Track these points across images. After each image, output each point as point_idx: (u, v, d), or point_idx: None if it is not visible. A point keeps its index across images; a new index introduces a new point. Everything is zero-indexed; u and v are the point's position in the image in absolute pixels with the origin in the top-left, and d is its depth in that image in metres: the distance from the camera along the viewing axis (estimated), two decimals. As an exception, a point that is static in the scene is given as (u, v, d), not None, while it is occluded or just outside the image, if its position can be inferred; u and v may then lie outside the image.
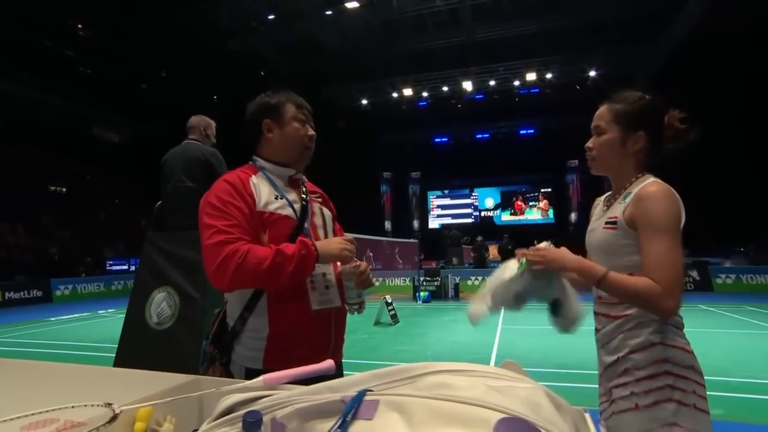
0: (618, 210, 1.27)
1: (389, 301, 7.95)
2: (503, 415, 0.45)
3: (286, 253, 1.24)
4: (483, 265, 15.41)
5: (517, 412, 0.46)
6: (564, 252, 1.28)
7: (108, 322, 9.17)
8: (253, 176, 1.40)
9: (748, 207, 16.71)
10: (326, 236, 1.48)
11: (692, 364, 1.20)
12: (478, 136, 26.82)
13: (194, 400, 0.74)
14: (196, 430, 0.66)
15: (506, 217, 27.53)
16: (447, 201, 29.04)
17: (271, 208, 1.35)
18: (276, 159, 1.44)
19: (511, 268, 1.32)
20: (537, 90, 21.21)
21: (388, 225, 27.28)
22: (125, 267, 17.62)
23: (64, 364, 0.96)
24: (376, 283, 9.84)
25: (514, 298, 1.31)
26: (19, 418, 0.56)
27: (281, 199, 1.38)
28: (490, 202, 28.17)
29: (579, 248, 1.38)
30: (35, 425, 0.56)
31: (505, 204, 27.76)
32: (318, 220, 1.47)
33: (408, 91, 20.91)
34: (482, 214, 28.07)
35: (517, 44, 17.87)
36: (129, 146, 21.65)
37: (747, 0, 13.53)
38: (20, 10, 14.09)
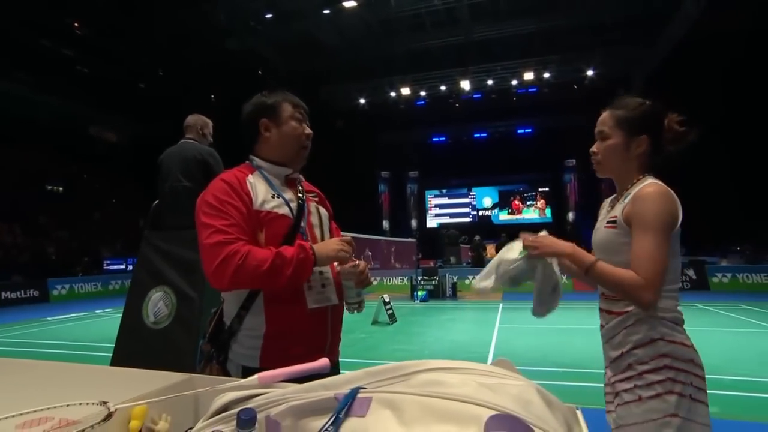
0: (618, 210, 1.34)
1: (387, 300, 7.95)
2: (494, 412, 0.45)
3: (285, 256, 1.25)
4: (481, 264, 15.41)
5: (507, 409, 0.46)
6: (557, 240, 1.39)
7: (105, 322, 9.15)
8: (250, 175, 1.40)
9: (744, 206, 16.77)
10: (322, 235, 1.49)
11: (692, 358, 1.26)
12: (475, 135, 26.84)
13: (189, 398, 0.74)
14: (192, 428, 0.66)
15: (504, 216, 27.57)
16: (445, 200, 29.07)
17: (268, 207, 1.35)
18: (273, 158, 1.45)
19: (514, 249, 1.45)
20: (535, 89, 21.22)
21: (386, 224, 27.29)
22: (122, 266, 17.59)
23: (60, 363, 0.96)
24: (374, 282, 9.84)
25: (510, 280, 1.45)
26: (14, 416, 0.57)
27: (278, 198, 1.38)
28: (487, 202, 28.20)
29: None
30: (30, 423, 0.56)
31: (502, 203, 27.80)
32: (314, 219, 1.48)
33: (406, 91, 20.90)
34: (480, 213, 28.11)
35: (514, 44, 17.89)
36: (126, 146, 21.59)
37: (743, 0, 13.57)
38: (18, 10, 14.03)
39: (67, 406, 0.59)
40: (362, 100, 22.11)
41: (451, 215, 28.32)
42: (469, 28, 17.16)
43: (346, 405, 0.51)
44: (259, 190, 1.37)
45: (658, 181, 1.33)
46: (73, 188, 19.92)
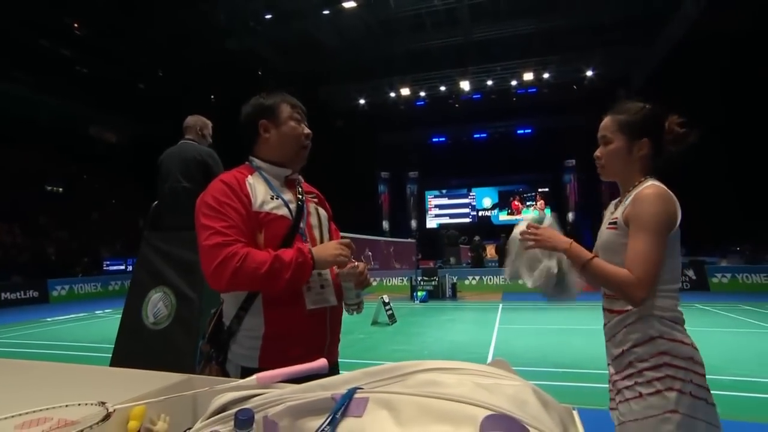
0: (619, 211, 1.38)
1: (386, 300, 7.95)
2: (490, 412, 0.46)
3: (283, 260, 1.26)
4: (480, 264, 15.43)
5: (503, 409, 0.46)
6: (556, 236, 1.40)
7: (105, 323, 9.15)
8: (249, 176, 1.40)
9: (744, 206, 16.78)
10: (322, 236, 1.49)
11: (692, 356, 1.28)
12: (475, 135, 26.85)
13: (188, 398, 0.74)
14: (190, 428, 0.66)
15: (504, 216, 27.57)
16: (444, 201, 29.07)
17: (267, 208, 1.35)
18: (273, 159, 1.46)
19: (522, 225, 1.48)
20: (534, 90, 21.24)
21: (385, 225, 27.29)
22: (122, 267, 17.58)
23: (60, 364, 0.96)
24: (374, 283, 9.85)
25: (513, 272, 1.51)
26: (12, 417, 0.57)
27: (277, 199, 1.39)
28: (487, 202, 28.21)
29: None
30: (29, 424, 0.57)
31: (502, 204, 27.81)
32: (314, 220, 1.48)
33: (405, 91, 20.92)
34: (480, 213, 28.11)
35: (514, 44, 17.90)
36: (126, 146, 21.59)
37: (742, 0, 13.58)
38: (17, 10, 14.03)
39: (66, 406, 0.59)
40: (362, 101, 22.12)
41: (451, 216, 28.33)
42: (468, 29, 17.17)
43: (343, 405, 0.51)
44: (259, 191, 1.37)
45: (659, 183, 1.36)
46: (73, 188, 19.92)
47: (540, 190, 26.96)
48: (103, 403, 0.60)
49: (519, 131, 26.17)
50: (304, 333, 1.34)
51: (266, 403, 0.59)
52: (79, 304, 12.79)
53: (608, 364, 1.44)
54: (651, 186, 1.34)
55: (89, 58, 17.41)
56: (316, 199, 1.56)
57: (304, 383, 0.65)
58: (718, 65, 15.60)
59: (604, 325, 1.44)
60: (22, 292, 13.14)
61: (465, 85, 20.26)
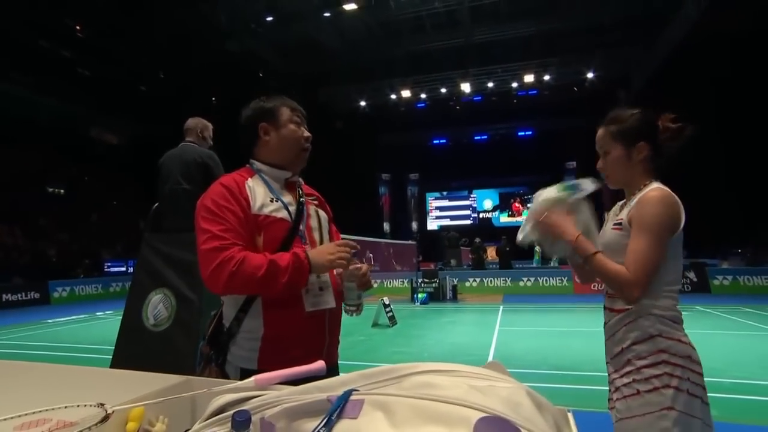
0: (624, 213, 1.41)
1: (387, 302, 7.95)
2: (483, 414, 0.46)
3: (279, 265, 1.26)
4: (481, 266, 15.44)
5: (497, 411, 0.47)
6: (568, 223, 1.42)
7: (106, 324, 9.15)
8: (249, 179, 1.41)
9: (745, 208, 16.76)
10: (321, 238, 1.50)
11: (689, 354, 1.30)
12: (476, 137, 26.88)
13: (187, 400, 0.75)
14: (189, 429, 0.67)
15: (504, 218, 27.59)
16: (445, 202, 29.09)
17: (266, 210, 1.36)
18: (273, 161, 1.46)
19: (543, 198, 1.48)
20: (535, 92, 21.28)
21: (386, 226, 27.31)
22: (123, 269, 17.59)
23: (59, 366, 0.97)
24: (374, 285, 9.86)
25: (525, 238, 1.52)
26: (12, 418, 0.57)
27: (276, 201, 1.39)
28: (488, 204, 28.23)
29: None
30: (28, 425, 0.57)
31: (503, 205, 27.82)
32: (314, 223, 1.49)
33: (406, 93, 20.95)
34: (481, 215, 28.13)
35: (515, 46, 17.93)
36: (127, 148, 21.63)
37: (743, 1, 13.58)
38: (18, 11, 14.08)
39: (65, 407, 0.59)
40: (363, 102, 22.16)
41: (452, 217, 28.35)
42: (469, 31, 17.20)
43: (339, 407, 0.52)
44: (258, 193, 1.38)
45: (663, 186, 1.38)
46: (74, 190, 19.94)
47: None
48: (102, 405, 0.60)
49: (520, 133, 26.19)
50: (303, 335, 1.35)
51: (263, 405, 0.60)
52: (80, 306, 12.81)
53: (607, 363, 1.45)
54: (656, 189, 1.36)
55: (90, 59, 17.46)
56: (316, 201, 1.57)
57: (301, 385, 0.65)
58: (719, 67, 15.59)
59: (605, 323, 1.47)
60: (23, 294, 13.16)
61: (466, 87, 20.30)
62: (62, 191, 19.93)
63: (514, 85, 20.55)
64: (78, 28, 16.10)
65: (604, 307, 1.47)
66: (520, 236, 1.53)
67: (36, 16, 14.54)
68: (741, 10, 13.79)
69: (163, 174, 3.14)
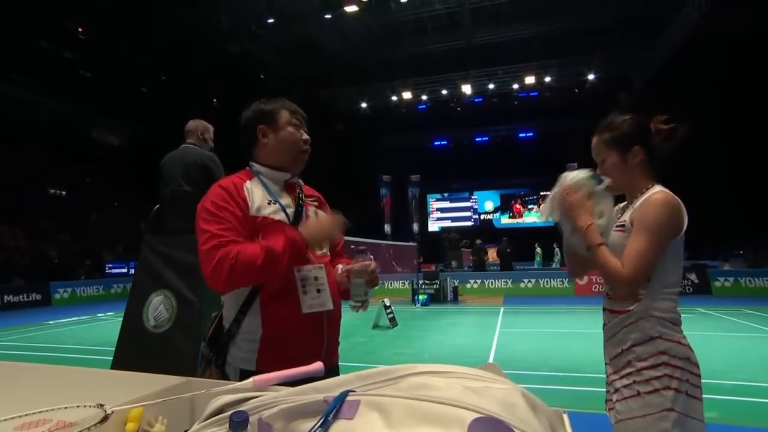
0: (627, 215, 1.42)
1: (387, 304, 7.95)
2: (478, 415, 0.47)
3: (275, 249, 1.28)
4: (482, 268, 15.43)
5: (491, 412, 0.47)
6: (584, 210, 1.43)
7: (107, 325, 9.16)
8: (248, 181, 1.42)
9: (747, 210, 16.74)
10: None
11: (688, 356, 1.31)
12: (477, 139, 26.89)
13: (186, 401, 0.75)
14: (187, 430, 0.67)
15: (505, 220, 27.58)
16: (446, 204, 29.10)
17: (264, 212, 1.38)
18: (272, 163, 1.47)
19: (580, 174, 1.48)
20: (536, 93, 21.29)
21: (387, 228, 27.30)
22: (124, 270, 17.61)
23: (60, 367, 0.97)
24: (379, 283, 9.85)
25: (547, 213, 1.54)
26: (12, 418, 0.58)
27: (274, 203, 1.40)
28: (489, 206, 28.22)
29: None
30: (29, 425, 0.58)
31: (504, 207, 27.81)
32: (313, 224, 1.49)
33: (407, 95, 20.97)
34: (482, 217, 28.12)
35: (515, 48, 17.96)
36: (128, 149, 21.68)
37: (744, 3, 13.58)
38: (19, 12, 14.12)
39: (65, 408, 0.60)
40: (364, 104, 22.19)
41: (453, 219, 28.35)
42: (470, 33, 17.22)
43: (335, 407, 0.52)
44: (256, 195, 1.39)
45: (666, 189, 1.40)
46: (75, 191, 19.98)
47: (542, 193, 26.92)
48: (102, 405, 0.61)
49: (521, 134, 26.20)
50: (301, 336, 1.36)
51: (261, 406, 0.60)
52: (81, 307, 12.82)
53: (606, 364, 1.46)
54: (660, 192, 1.38)
55: (91, 61, 17.51)
56: (316, 203, 1.57)
57: (299, 386, 0.66)
58: (720, 67, 15.59)
59: (604, 325, 1.47)
60: (24, 295, 13.17)
61: (466, 89, 20.32)
62: (63, 192, 19.97)
63: (515, 86, 20.57)
64: (80, 29, 16.14)
65: (604, 309, 1.48)
66: (543, 216, 1.56)
67: (37, 17, 14.58)
68: (742, 11, 13.79)
69: (164, 176, 3.15)
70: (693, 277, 11.89)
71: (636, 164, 1.44)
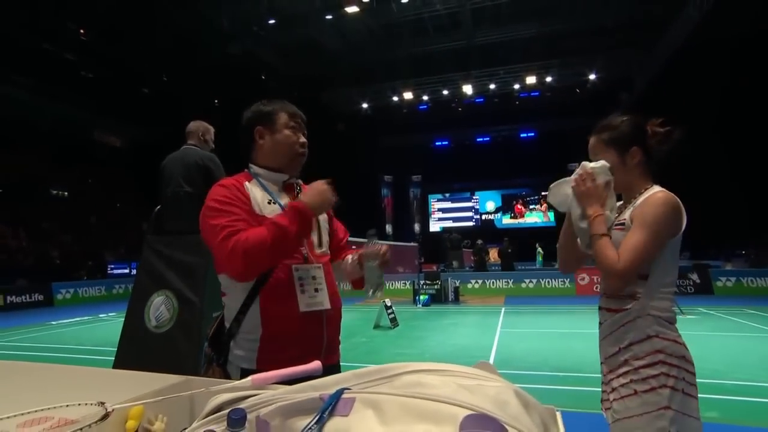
0: (627, 214, 1.43)
1: (389, 304, 7.95)
2: (470, 412, 0.48)
3: (282, 223, 1.30)
4: (483, 268, 15.43)
5: (484, 409, 0.48)
6: (598, 199, 1.41)
7: (109, 326, 9.19)
8: (247, 182, 1.44)
9: (749, 210, 16.70)
10: (320, 239, 1.52)
11: (684, 354, 1.32)
12: (478, 139, 26.88)
13: (185, 399, 0.76)
14: (187, 428, 0.68)
15: (507, 220, 27.56)
16: (448, 204, 29.09)
17: (265, 213, 1.39)
18: (268, 165, 1.49)
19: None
20: (537, 93, 21.28)
21: (388, 228, 27.30)
22: (126, 271, 17.65)
23: (62, 366, 0.98)
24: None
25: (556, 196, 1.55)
26: (15, 416, 0.59)
27: (274, 204, 1.42)
28: (491, 206, 28.20)
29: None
30: (31, 423, 0.59)
31: (505, 207, 27.79)
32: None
33: (408, 95, 20.98)
34: (483, 217, 28.10)
35: (516, 48, 17.94)
36: (130, 150, 21.73)
37: (745, 3, 13.56)
38: (21, 14, 14.17)
39: (66, 406, 0.61)
40: (365, 104, 22.20)
41: (454, 219, 28.34)
42: (471, 33, 17.22)
43: (331, 405, 0.53)
44: (256, 195, 1.41)
45: (666, 190, 1.41)
46: (77, 192, 20.04)
47: (543, 193, 26.92)
48: (102, 403, 0.62)
49: (522, 135, 26.18)
50: (300, 336, 1.37)
51: (259, 404, 0.61)
52: (83, 308, 12.85)
53: (602, 363, 1.46)
54: (661, 192, 1.39)
55: (93, 62, 17.55)
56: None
57: (296, 384, 0.67)
58: (721, 68, 15.56)
59: (600, 323, 1.47)
60: (27, 296, 13.22)
61: (468, 89, 20.32)
62: (65, 193, 20.03)
63: (516, 86, 20.56)
64: (81, 31, 16.18)
65: (600, 307, 1.48)
66: (551, 197, 1.57)
67: (39, 19, 14.62)
68: (743, 12, 13.77)
69: (165, 177, 3.16)
70: (695, 277, 11.88)
71: (634, 165, 1.45)
